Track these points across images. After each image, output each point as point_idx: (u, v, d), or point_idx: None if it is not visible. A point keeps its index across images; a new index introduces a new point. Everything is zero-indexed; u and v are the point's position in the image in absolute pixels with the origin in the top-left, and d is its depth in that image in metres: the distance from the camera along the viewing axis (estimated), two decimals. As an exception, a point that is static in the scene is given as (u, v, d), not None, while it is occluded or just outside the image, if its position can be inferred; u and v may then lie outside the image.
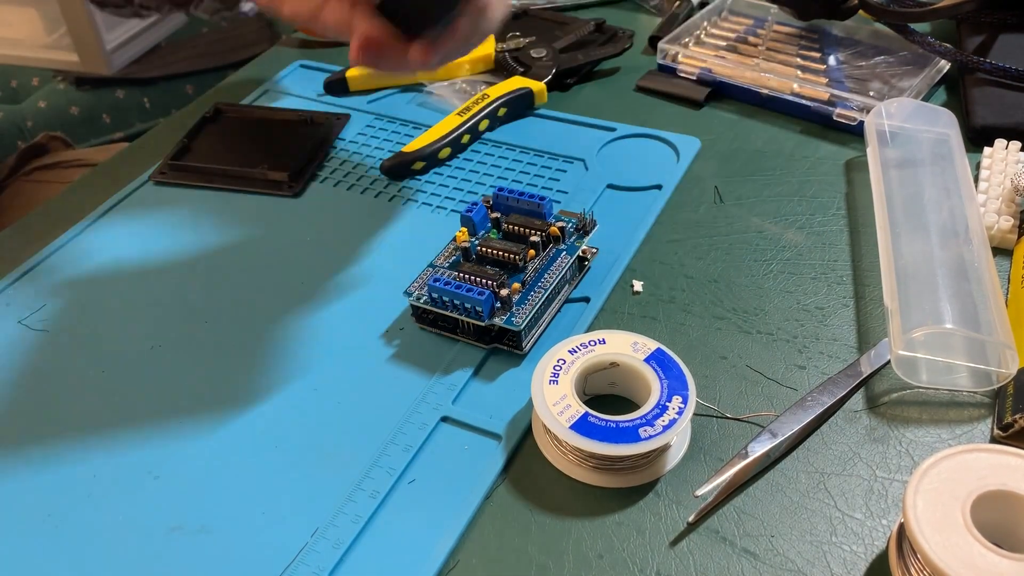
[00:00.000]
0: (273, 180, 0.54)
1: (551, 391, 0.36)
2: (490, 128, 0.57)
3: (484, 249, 0.43)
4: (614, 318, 0.43)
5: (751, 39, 0.63)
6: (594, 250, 0.45)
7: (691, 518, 0.34)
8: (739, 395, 0.39)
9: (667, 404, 0.35)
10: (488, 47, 0.63)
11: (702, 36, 0.64)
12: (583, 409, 0.35)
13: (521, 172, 0.54)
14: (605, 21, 0.65)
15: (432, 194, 0.52)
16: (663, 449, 0.36)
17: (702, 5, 0.68)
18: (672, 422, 0.34)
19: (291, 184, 0.54)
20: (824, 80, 0.57)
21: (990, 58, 0.54)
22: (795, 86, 0.56)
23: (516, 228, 0.43)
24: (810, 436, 0.37)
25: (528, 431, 0.38)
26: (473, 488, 0.36)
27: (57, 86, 1.05)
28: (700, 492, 0.34)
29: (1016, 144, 0.49)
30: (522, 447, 0.38)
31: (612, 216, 0.49)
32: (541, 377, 0.37)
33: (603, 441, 0.34)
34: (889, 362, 0.39)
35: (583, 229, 0.44)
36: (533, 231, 0.43)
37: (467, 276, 0.41)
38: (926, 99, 0.56)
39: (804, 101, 0.56)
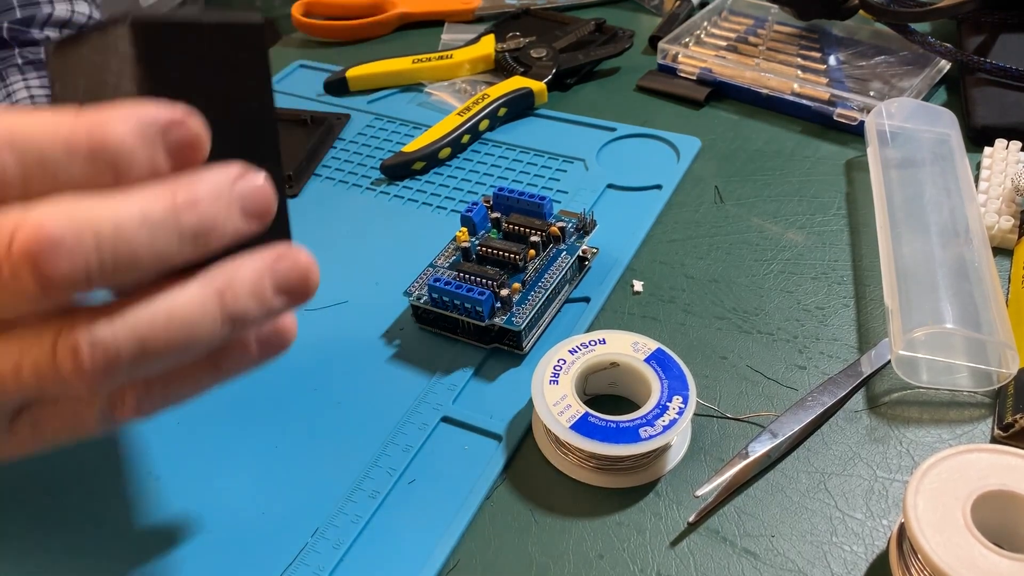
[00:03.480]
0: (273, 180, 0.54)
1: (551, 391, 0.36)
2: (490, 128, 0.57)
3: (484, 249, 0.43)
4: (614, 318, 0.43)
5: (751, 39, 0.63)
6: (594, 250, 0.45)
7: (691, 518, 0.34)
8: (739, 395, 0.39)
9: (667, 404, 0.35)
10: (488, 47, 0.63)
11: (702, 36, 0.64)
12: (583, 409, 0.35)
13: (521, 172, 0.54)
14: (605, 21, 0.65)
15: (432, 194, 0.52)
16: (663, 449, 0.36)
17: (702, 5, 0.69)
18: (672, 422, 0.34)
19: (291, 184, 0.54)
20: (824, 80, 0.57)
21: (991, 58, 0.54)
22: (795, 86, 0.56)
23: (516, 228, 0.43)
24: (810, 436, 0.37)
25: (528, 431, 0.38)
26: (473, 488, 0.36)
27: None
28: (700, 492, 0.34)
29: (1016, 144, 0.49)
30: (522, 447, 0.37)
31: (612, 216, 0.49)
32: (541, 377, 0.37)
33: (603, 441, 0.34)
34: (889, 362, 0.39)
35: (583, 229, 0.44)
36: (533, 231, 0.43)
37: (467, 276, 0.41)
38: (926, 99, 0.56)
39: (804, 101, 0.56)
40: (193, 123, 0.24)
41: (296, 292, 0.26)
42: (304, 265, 0.26)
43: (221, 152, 0.25)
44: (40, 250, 0.21)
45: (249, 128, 0.27)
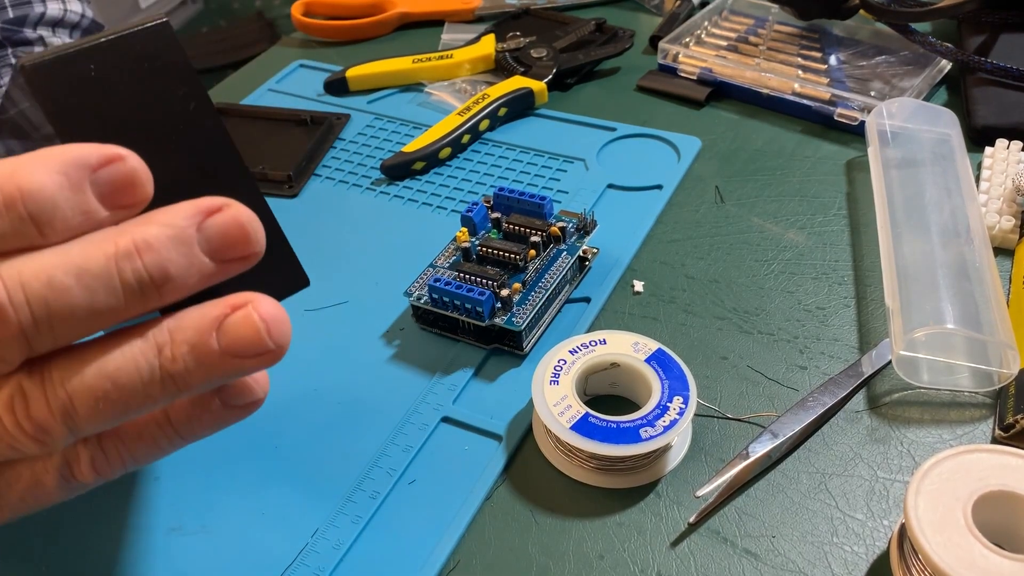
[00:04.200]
0: (273, 180, 0.54)
1: (552, 391, 0.36)
2: (490, 128, 0.57)
3: (484, 249, 0.43)
4: (615, 318, 0.43)
5: (752, 39, 0.63)
6: (595, 250, 0.45)
7: (692, 519, 0.34)
8: (740, 395, 0.39)
9: (668, 405, 0.35)
10: (488, 47, 0.63)
11: (703, 36, 0.64)
12: (584, 410, 0.35)
13: (521, 172, 0.53)
14: (606, 21, 0.65)
15: (432, 194, 0.52)
16: (664, 450, 0.36)
17: (703, 5, 0.68)
18: (673, 423, 0.34)
19: (291, 184, 0.53)
20: (825, 80, 0.57)
21: (991, 58, 0.54)
22: (796, 86, 0.56)
23: (516, 228, 0.43)
24: (811, 436, 0.37)
25: (528, 431, 0.38)
26: (473, 488, 0.36)
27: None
28: (701, 493, 0.34)
29: (1017, 144, 0.49)
30: (522, 447, 0.37)
31: (613, 216, 0.49)
32: (542, 377, 0.37)
33: (604, 442, 0.34)
34: (890, 362, 0.39)
35: (584, 229, 0.44)
36: (534, 231, 0.43)
37: (467, 276, 0.41)
38: (927, 99, 0.56)
39: (805, 101, 0.55)
40: (126, 159, 0.21)
41: (254, 354, 0.22)
42: (258, 322, 0.22)
43: (174, 181, 0.23)
44: None
45: (198, 145, 0.25)
